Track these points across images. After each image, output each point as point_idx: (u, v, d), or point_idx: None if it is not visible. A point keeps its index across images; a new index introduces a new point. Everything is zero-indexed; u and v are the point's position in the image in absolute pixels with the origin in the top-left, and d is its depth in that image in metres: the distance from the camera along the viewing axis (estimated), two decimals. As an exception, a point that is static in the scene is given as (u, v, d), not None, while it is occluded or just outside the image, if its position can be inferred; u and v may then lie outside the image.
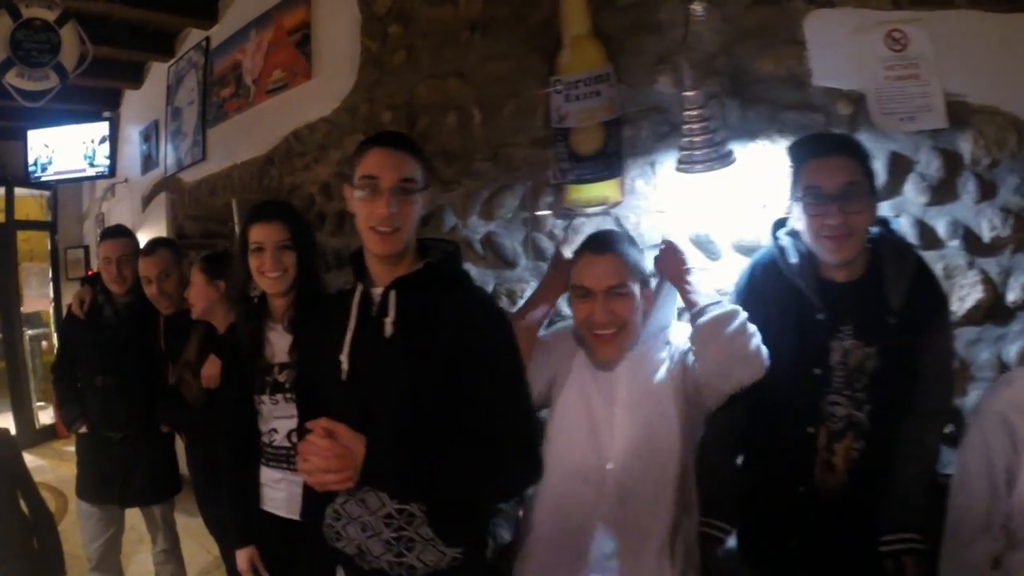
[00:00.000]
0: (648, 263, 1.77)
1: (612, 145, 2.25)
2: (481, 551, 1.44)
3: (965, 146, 1.69)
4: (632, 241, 1.81)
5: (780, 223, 1.64)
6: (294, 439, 1.77)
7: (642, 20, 2.17)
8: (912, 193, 1.77)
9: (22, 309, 6.66)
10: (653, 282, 1.73)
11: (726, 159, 1.86)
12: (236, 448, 1.90)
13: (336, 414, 1.26)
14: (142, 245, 2.69)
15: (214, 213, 4.52)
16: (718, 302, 1.55)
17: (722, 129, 1.95)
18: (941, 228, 1.74)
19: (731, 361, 1.47)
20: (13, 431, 6.26)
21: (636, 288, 1.60)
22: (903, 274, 1.47)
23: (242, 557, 1.83)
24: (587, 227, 2.37)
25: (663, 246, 1.73)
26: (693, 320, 1.56)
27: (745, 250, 1.95)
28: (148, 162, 5.50)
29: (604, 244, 1.66)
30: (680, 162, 1.92)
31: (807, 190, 1.46)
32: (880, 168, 1.75)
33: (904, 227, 1.73)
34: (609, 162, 2.26)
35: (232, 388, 1.94)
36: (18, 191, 6.50)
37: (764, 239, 1.74)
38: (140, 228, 5.28)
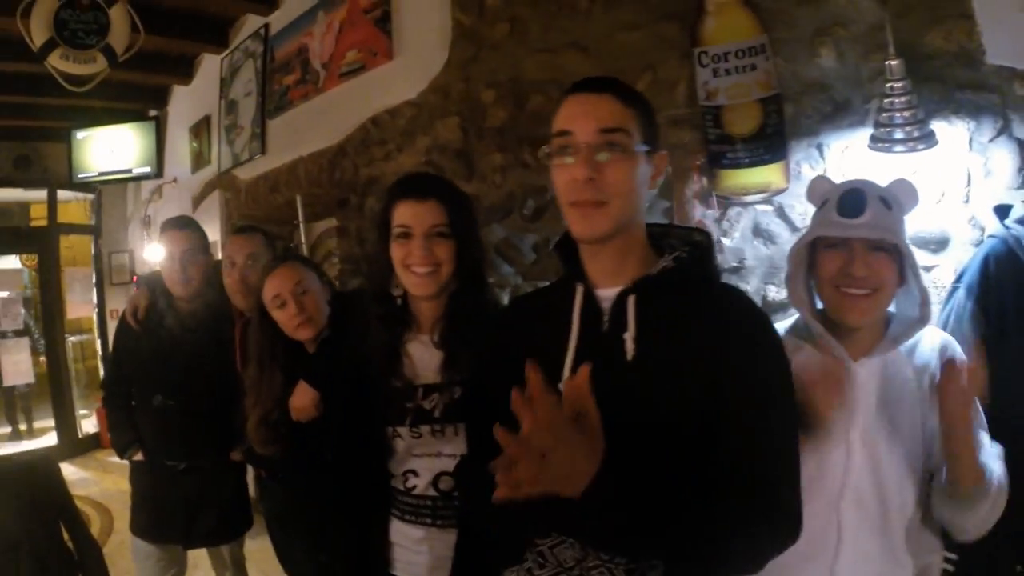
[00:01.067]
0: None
1: (772, 125, 2.04)
2: None
3: None
4: None
5: (1003, 209, 1.50)
6: (442, 486, 1.42)
7: None
8: None
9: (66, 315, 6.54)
10: None
11: (929, 139, 1.69)
12: (355, 498, 1.53)
13: None
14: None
15: (274, 212, 4.27)
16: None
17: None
18: None
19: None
20: (55, 440, 6.23)
21: None
22: None
23: None
24: (745, 218, 2.07)
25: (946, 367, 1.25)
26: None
27: (923, 243, 1.76)
28: (199, 160, 5.29)
29: None
30: (875, 140, 1.75)
31: None
32: None
33: None
34: (770, 144, 2.05)
35: (349, 416, 1.55)
36: (61, 194, 6.37)
37: (951, 230, 1.69)
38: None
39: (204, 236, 2.44)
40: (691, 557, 0.97)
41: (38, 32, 3.28)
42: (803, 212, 1.95)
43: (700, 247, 1.10)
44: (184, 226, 2.40)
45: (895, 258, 1.25)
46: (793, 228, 1.99)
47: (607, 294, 1.06)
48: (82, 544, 2.32)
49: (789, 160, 2.01)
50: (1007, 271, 1.42)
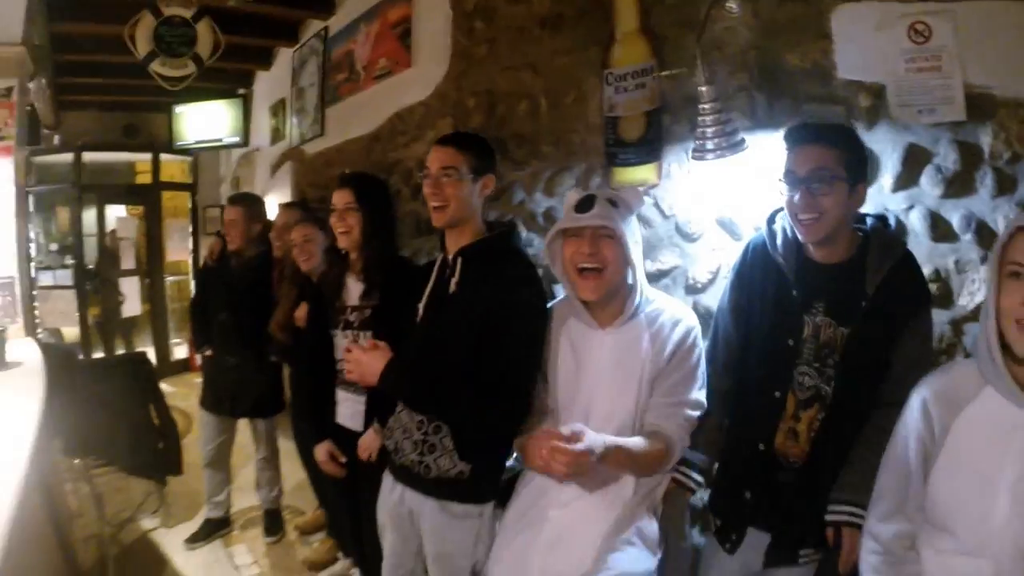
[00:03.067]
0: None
1: (653, 133, 2.47)
2: (487, 474, 1.74)
3: (986, 139, 1.69)
4: None
5: (778, 210, 1.71)
6: None
7: (685, 17, 2.34)
8: (928, 185, 1.80)
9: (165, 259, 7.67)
10: None
11: (737, 147, 1.99)
12: (316, 371, 2.39)
13: (411, 346, 1.72)
14: (270, 206, 3.25)
15: (329, 182, 5.04)
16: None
17: (744, 119, 2.12)
18: (956, 221, 1.76)
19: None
20: (154, 362, 7.43)
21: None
22: (884, 263, 1.52)
23: (321, 449, 2.33)
24: None
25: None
26: None
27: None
28: (276, 134, 6.25)
29: None
30: (694, 151, 2.08)
31: (784, 174, 1.56)
32: (895, 160, 1.85)
33: (916, 220, 1.81)
34: (650, 148, 2.49)
35: (315, 325, 2.42)
36: (164, 156, 7.47)
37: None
38: (268, 192, 6.05)
39: (254, 207, 3.39)
40: (452, 418, 1.70)
41: (142, 45, 4.28)
42: (671, 203, 2.43)
43: (504, 230, 1.82)
44: (237, 202, 3.36)
45: (620, 245, 1.61)
46: (664, 216, 2.47)
47: (450, 257, 1.80)
48: (165, 420, 3.33)
49: (662, 162, 2.44)
50: (759, 257, 1.70)
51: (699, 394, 1.65)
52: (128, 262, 7.17)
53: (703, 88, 2.01)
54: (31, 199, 6.97)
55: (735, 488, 1.69)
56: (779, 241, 1.65)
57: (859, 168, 1.56)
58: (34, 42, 3.68)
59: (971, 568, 1.13)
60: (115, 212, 7.40)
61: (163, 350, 7.44)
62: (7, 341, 2.55)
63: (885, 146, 1.89)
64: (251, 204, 3.39)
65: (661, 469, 1.63)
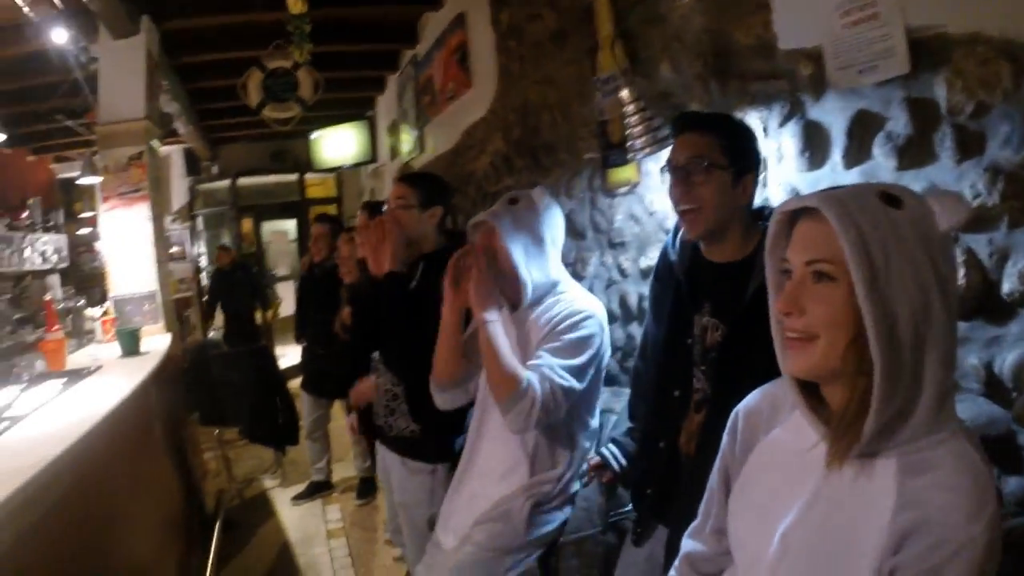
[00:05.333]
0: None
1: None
2: (435, 435, 2.07)
3: (940, 92, 1.37)
4: None
5: None
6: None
7: (649, 13, 2.37)
8: (882, 157, 1.52)
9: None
10: None
11: (663, 143, 2.00)
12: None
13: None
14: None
15: None
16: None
17: (702, 107, 2.10)
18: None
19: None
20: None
21: None
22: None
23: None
24: (623, 205, 2.78)
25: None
26: None
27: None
28: (393, 151, 6.99)
29: None
30: (628, 151, 2.18)
31: (665, 163, 1.52)
32: (840, 132, 1.63)
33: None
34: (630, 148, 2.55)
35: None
36: (310, 175, 8.63)
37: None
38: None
39: (334, 224, 4.07)
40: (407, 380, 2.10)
41: (253, 95, 5.16)
42: (651, 200, 2.49)
43: (453, 239, 2.18)
44: (319, 221, 4.10)
45: (502, 240, 1.74)
46: (649, 212, 2.52)
47: None
48: (284, 401, 4.08)
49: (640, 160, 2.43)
50: (666, 257, 1.67)
51: (576, 371, 1.68)
52: (283, 269, 8.34)
53: (623, 93, 2.11)
54: (200, 220, 8.47)
55: (640, 483, 1.71)
56: (677, 238, 1.62)
57: (743, 157, 1.46)
58: (159, 111, 4.65)
59: None
60: (270, 227, 8.65)
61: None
62: (142, 337, 3.39)
63: (836, 117, 1.66)
64: (332, 222, 4.06)
65: (507, 402, 1.63)
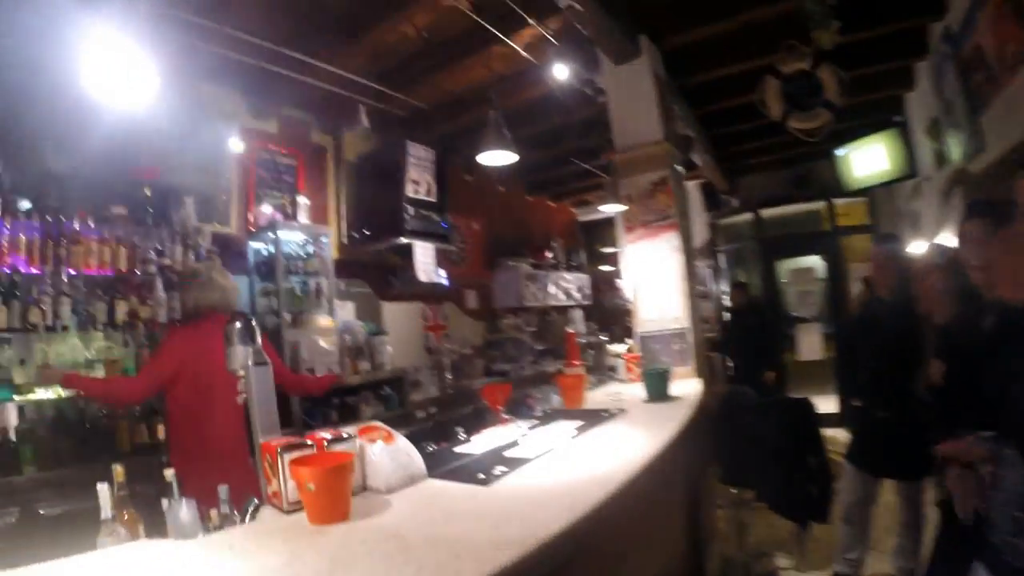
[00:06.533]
0: None
1: None
2: None
3: None
4: None
5: None
6: None
7: None
8: None
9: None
10: None
11: None
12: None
13: None
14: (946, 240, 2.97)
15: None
16: None
17: None
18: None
19: None
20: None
21: None
22: None
23: None
24: None
25: None
26: None
27: None
28: (938, 158, 5.63)
29: None
30: None
31: None
32: None
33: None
34: None
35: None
36: (839, 201, 7.62)
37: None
38: (943, 225, 5.42)
39: (896, 248, 3.24)
40: None
41: (774, 107, 4.62)
42: None
43: None
44: (882, 241, 3.31)
45: None
46: None
47: None
48: (821, 468, 3.38)
49: None
50: None
51: None
52: (807, 310, 7.57)
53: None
54: (721, 257, 8.30)
55: None
56: None
57: None
58: (676, 133, 4.53)
59: None
60: (789, 263, 7.98)
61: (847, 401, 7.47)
62: (671, 380, 3.16)
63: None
64: (892, 244, 3.27)
65: None
